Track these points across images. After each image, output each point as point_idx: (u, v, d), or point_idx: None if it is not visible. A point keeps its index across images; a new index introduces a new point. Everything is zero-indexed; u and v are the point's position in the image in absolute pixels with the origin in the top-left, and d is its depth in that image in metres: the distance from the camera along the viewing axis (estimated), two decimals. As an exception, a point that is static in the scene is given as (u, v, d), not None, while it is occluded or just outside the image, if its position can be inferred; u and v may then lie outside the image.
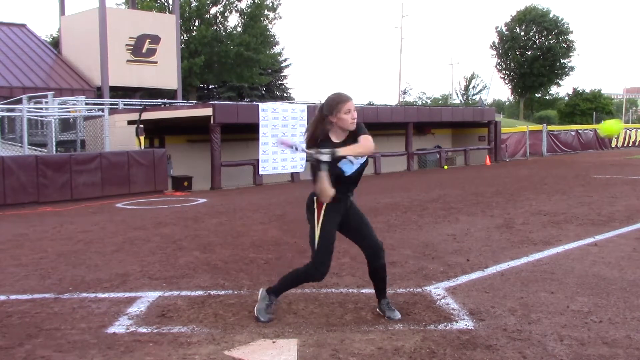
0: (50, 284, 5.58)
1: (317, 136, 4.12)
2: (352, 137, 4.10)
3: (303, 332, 4.08)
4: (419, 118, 21.51)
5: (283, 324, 4.25)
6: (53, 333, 4.17)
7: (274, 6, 38.32)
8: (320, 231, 4.13)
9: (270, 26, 38.67)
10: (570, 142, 30.15)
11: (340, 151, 3.92)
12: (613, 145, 33.22)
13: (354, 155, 4.03)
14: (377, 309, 4.45)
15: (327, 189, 3.95)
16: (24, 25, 27.92)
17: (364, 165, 4.19)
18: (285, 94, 46.58)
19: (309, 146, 4.08)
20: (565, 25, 56.59)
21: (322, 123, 4.12)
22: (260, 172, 16.06)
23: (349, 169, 4.10)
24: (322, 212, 4.13)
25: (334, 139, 4.12)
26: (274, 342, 3.89)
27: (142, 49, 26.21)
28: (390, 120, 20.11)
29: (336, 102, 4.07)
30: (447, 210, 10.18)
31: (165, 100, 24.50)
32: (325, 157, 3.86)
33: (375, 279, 4.43)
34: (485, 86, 62.03)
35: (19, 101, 17.70)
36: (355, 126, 4.10)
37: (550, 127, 30.79)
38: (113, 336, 4.09)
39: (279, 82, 47.30)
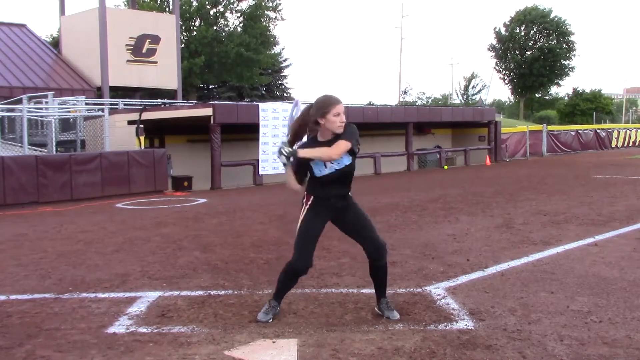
0: (50, 284, 5.58)
1: (300, 135, 4.23)
2: (338, 139, 4.12)
3: (303, 332, 4.08)
4: (419, 118, 21.50)
5: (283, 324, 4.24)
6: (53, 333, 4.17)
7: (275, 5, 38.28)
8: (299, 227, 4.26)
9: (272, 26, 38.67)
10: (570, 142, 30.16)
11: (300, 152, 4.03)
12: (613, 145, 33.23)
13: (312, 158, 4.09)
14: (376, 309, 4.46)
15: (290, 183, 4.19)
16: (24, 25, 27.89)
17: (346, 169, 4.19)
18: (285, 94, 46.54)
19: (291, 143, 4.17)
20: (567, 26, 56.52)
21: (305, 124, 4.19)
22: (260, 172, 16.06)
23: (318, 170, 4.18)
24: (305, 209, 4.25)
25: (320, 138, 4.20)
26: (274, 342, 3.89)
27: (142, 49, 26.20)
28: (390, 120, 20.11)
29: (326, 104, 4.11)
30: (447, 210, 10.18)
31: (165, 100, 24.49)
32: (282, 159, 4.01)
33: (376, 278, 4.44)
34: (485, 86, 61.93)
35: (19, 101, 17.68)
36: (342, 130, 4.12)
37: (550, 127, 30.79)
38: (113, 336, 4.09)
39: (279, 82, 47.27)
